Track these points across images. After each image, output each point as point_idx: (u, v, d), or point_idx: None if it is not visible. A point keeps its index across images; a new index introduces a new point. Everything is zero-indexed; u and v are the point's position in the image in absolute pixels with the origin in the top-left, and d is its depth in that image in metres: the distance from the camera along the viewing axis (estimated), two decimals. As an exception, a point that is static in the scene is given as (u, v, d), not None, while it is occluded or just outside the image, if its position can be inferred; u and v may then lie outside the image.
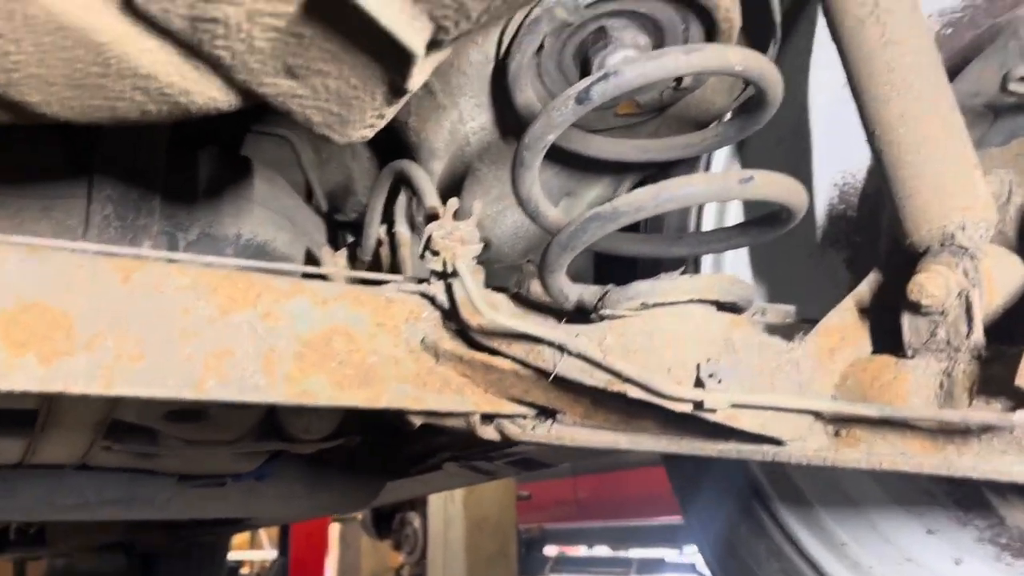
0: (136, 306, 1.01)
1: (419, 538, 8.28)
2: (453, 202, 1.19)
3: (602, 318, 1.10)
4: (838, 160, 1.52)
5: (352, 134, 0.83)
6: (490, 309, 1.08)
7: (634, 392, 1.02)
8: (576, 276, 1.23)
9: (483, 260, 1.70)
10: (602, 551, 8.37)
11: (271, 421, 1.89)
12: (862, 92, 1.07)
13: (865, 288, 1.10)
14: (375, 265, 1.59)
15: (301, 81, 0.74)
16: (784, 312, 1.33)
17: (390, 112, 0.82)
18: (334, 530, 9.06)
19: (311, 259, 1.59)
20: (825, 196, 1.55)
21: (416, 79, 0.73)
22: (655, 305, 1.06)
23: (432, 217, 1.27)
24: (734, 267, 1.59)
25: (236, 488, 2.33)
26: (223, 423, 1.78)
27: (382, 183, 1.44)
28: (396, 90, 0.76)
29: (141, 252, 1.06)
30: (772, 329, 1.46)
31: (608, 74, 1.04)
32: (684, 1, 1.19)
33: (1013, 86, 1.17)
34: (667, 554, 7.54)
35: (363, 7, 0.62)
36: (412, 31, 0.66)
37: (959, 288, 0.95)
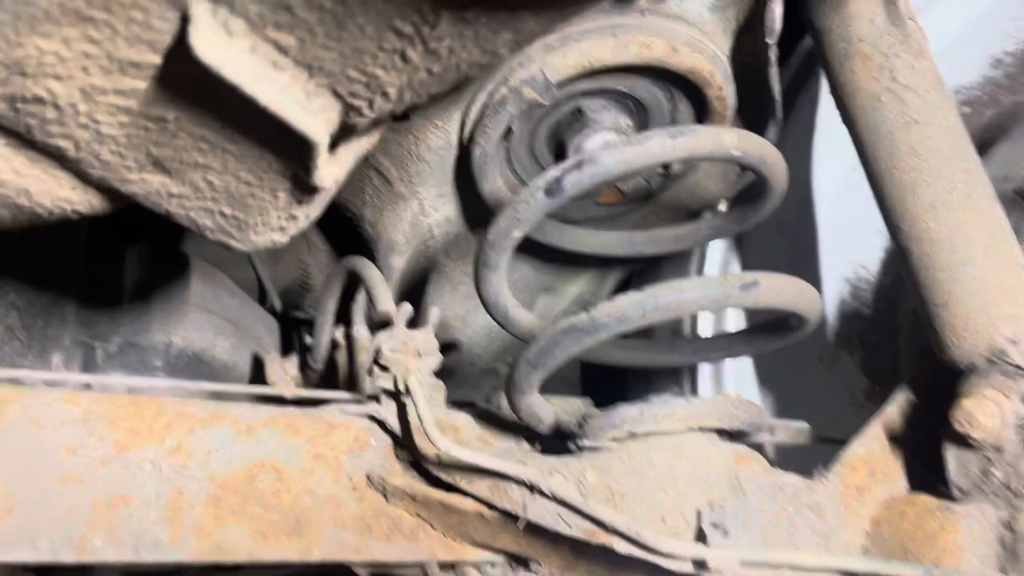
0: (9, 447, 0.83)
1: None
2: (406, 308, 1.02)
3: (582, 449, 0.91)
4: (848, 251, 1.36)
5: (257, 240, 0.66)
6: (444, 439, 0.89)
7: (621, 546, 0.83)
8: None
9: (454, 364, 1.52)
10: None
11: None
12: (882, 179, 0.91)
13: (895, 411, 0.92)
14: (330, 373, 1.41)
15: (175, 177, 0.57)
16: (796, 431, 1.14)
17: (305, 212, 0.65)
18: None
19: (258, 366, 1.40)
20: (835, 292, 1.38)
21: (327, 172, 0.57)
22: (646, 434, 0.88)
23: (384, 325, 1.10)
24: (735, 372, 1.41)
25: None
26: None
27: (333, 283, 1.27)
28: (303, 187, 0.59)
29: (24, 375, 0.88)
30: (783, 454, 1.27)
31: (582, 162, 0.88)
32: (671, 79, 1.05)
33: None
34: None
35: (233, 82, 0.46)
36: (307, 113, 0.50)
37: (1017, 419, 0.77)
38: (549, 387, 0.98)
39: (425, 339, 1.02)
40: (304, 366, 1.41)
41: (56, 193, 0.58)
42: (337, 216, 1.33)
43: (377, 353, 1.00)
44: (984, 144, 1.23)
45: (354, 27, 0.46)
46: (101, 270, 1.24)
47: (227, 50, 0.45)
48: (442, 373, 1.44)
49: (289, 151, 0.54)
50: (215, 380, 1.31)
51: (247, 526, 0.90)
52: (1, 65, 0.47)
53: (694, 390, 1.42)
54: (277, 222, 0.65)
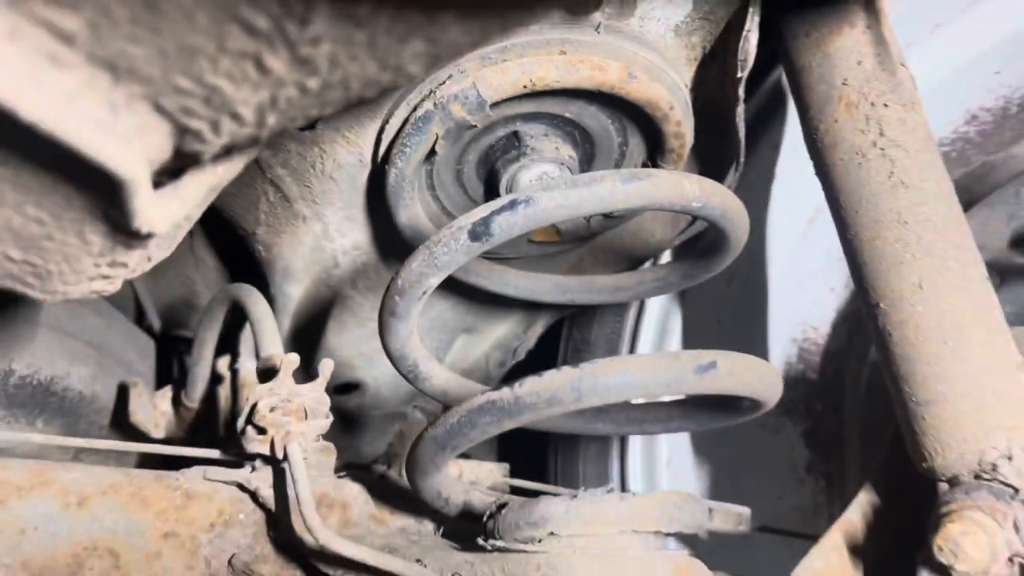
0: None
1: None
2: (292, 359, 0.85)
3: (494, 548, 0.75)
4: (798, 310, 1.25)
5: (69, 290, 0.49)
6: (323, 528, 0.72)
7: (531, 678, 0.68)
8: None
9: (356, 407, 1.35)
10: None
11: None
12: (861, 248, 0.79)
13: (856, 517, 0.79)
14: (209, 411, 1.22)
15: (-70, 208, 0.39)
16: (737, 516, 1.01)
17: (142, 256, 0.48)
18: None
19: (123, 399, 1.20)
20: (782, 353, 1.26)
21: (157, 215, 0.40)
22: (571, 536, 0.73)
23: (268, 373, 0.92)
24: (669, 439, 1.28)
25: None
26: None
27: (214, 311, 1.08)
28: (124, 231, 0.42)
29: None
30: (723, 544, 1.14)
31: (517, 202, 0.73)
32: (624, 108, 0.90)
33: (1049, 252, 0.91)
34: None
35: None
36: (110, 136, 0.33)
37: (1011, 552, 0.64)
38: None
39: (313, 396, 0.85)
40: (179, 401, 1.21)
41: None
42: (229, 230, 1.15)
43: (252, 411, 0.83)
44: (950, 205, 1.13)
45: (176, 12, 0.30)
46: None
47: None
48: (343, 417, 1.25)
49: (93, 186, 0.37)
50: (66, 415, 1.10)
51: (65, 629, 0.72)
52: None
53: (624, 453, 1.28)
54: (96, 270, 0.47)
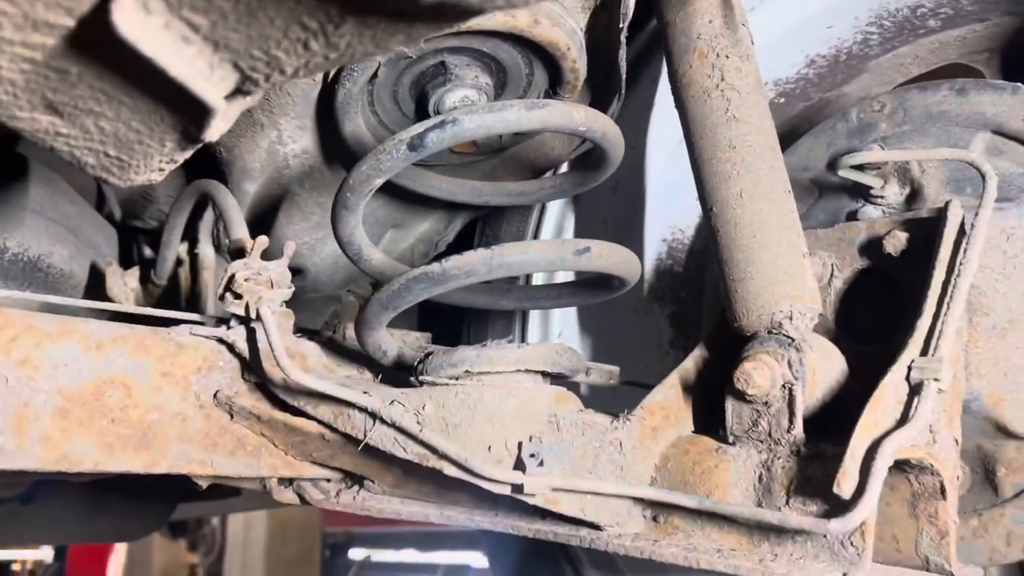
0: None
1: (216, 539, 7.84)
2: (263, 240, 1.06)
3: (423, 383, 1.01)
4: (669, 215, 1.52)
5: (135, 179, 0.69)
6: (294, 368, 0.96)
7: (450, 470, 0.94)
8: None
9: (298, 288, 1.56)
10: (409, 555, 8.28)
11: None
12: (702, 165, 1.05)
13: (690, 365, 1.08)
14: (172, 289, 1.42)
15: (67, 120, 0.60)
16: (608, 373, 1.29)
17: (184, 156, 0.69)
18: (122, 528, 8.35)
19: (96, 276, 1.39)
20: (654, 250, 1.54)
21: (216, 130, 0.61)
22: (481, 374, 0.99)
23: (238, 252, 1.13)
24: (560, 315, 1.55)
25: (-6, 513, 2.05)
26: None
27: (184, 202, 1.27)
28: (191, 138, 0.63)
29: None
30: (595, 393, 1.42)
31: (446, 122, 0.95)
32: (530, 46, 1.12)
33: (844, 172, 1.19)
34: (473, 558, 7.57)
35: (148, 55, 0.50)
36: (209, 83, 0.55)
37: (784, 380, 0.93)
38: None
39: (279, 271, 1.07)
40: (145, 279, 1.41)
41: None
42: (190, 133, 1.33)
43: (231, 280, 1.05)
44: (793, 132, 1.40)
45: (264, 18, 0.51)
46: (-69, 167, 1.18)
47: (144, 27, 0.49)
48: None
49: (185, 111, 0.58)
50: (51, 288, 1.29)
51: (95, 439, 0.94)
52: (-92, 8, 0.48)
53: (525, 327, 1.54)
54: (158, 164, 0.68)
